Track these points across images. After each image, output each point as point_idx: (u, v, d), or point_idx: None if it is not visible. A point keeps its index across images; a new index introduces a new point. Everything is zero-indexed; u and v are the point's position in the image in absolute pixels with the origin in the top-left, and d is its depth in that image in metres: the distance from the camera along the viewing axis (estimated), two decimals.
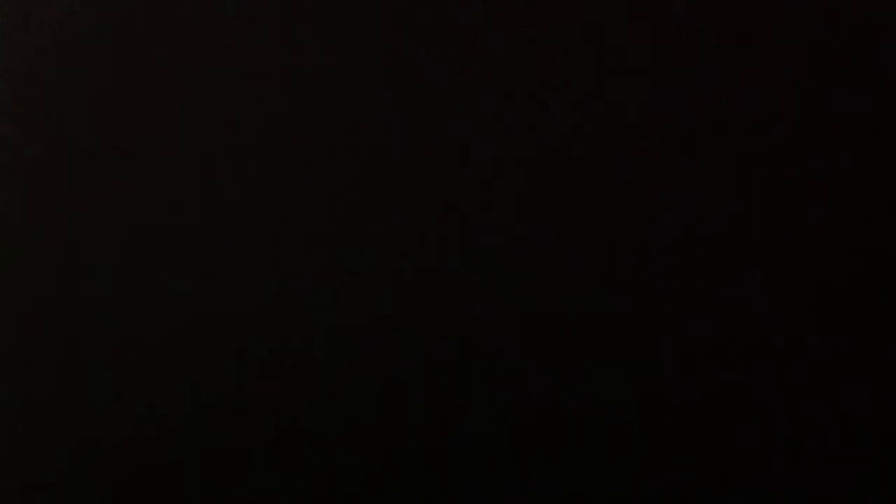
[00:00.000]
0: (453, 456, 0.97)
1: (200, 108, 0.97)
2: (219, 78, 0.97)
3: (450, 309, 0.97)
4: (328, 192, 0.97)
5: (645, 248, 0.96)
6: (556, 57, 0.95)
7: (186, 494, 0.98)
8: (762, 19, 0.95)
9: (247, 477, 0.98)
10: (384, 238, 0.97)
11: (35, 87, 0.98)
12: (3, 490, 0.99)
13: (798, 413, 0.95)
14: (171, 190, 0.97)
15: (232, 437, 0.98)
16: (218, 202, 0.97)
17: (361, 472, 0.98)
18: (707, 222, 0.95)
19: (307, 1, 0.97)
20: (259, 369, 0.98)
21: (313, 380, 0.98)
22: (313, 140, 0.97)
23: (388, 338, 0.97)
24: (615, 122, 0.95)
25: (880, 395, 0.95)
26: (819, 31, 0.94)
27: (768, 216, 0.95)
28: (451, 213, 0.96)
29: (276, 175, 0.97)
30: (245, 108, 0.97)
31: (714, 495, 0.96)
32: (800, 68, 0.94)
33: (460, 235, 0.96)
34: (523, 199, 0.96)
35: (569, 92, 0.95)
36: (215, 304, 0.98)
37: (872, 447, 0.95)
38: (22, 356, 0.98)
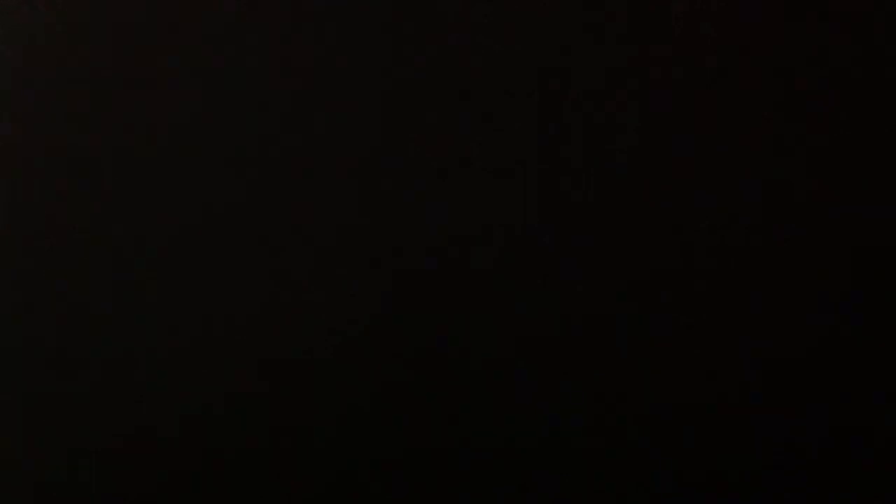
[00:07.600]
0: (453, 457, 0.97)
1: (200, 109, 0.97)
2: (219, 78, 0.97)
3: (450, 310, 0.97)
4: (328, 193, 0.97)
5: (645, 248, 0.96)
6: (556, 57, 0.96)
7: (186, 495, 0.99)
8: (762, 19, 0.95)
9: (247, 477, 0.98)
10: (384, 238, 0.97)
11: (35, 87, 0.98)
12: (3, 490, 0.99)
13: (798, 414, 0.96)
14: (171, 190, 0.98)
15: (232, 438, 0.98)
16: (218, 202, 0.98)
17: (361, 472, 0.98)
18: (707, 223, 0.95)
19: (307, 1, 0.97)
20: (259, 370, 0.98)
21: (313, 381, 0.98)
22: (313, 140, 0.97)
23: (388, 339, 0.97)
24: (615, 123, 0.95)
25: (880, 395, 0.95)
26: (819, 32, 0.95)
27: (768, 217, 0.95)
28: (451, 213, 0.97)
29: (276, 175, 0.97)
30: (245, 108, 0.97)
31: (714, 496, 0.96)
32: (799, 68, 0.95)
33: (460, 236, 0.97)
34: (524, 200, 0.96)
35: (568, 92, 0.96)
36: (215, 305, 0.98)
37: (872, 447, 0.95)
38: (22, 356, 0.99)
